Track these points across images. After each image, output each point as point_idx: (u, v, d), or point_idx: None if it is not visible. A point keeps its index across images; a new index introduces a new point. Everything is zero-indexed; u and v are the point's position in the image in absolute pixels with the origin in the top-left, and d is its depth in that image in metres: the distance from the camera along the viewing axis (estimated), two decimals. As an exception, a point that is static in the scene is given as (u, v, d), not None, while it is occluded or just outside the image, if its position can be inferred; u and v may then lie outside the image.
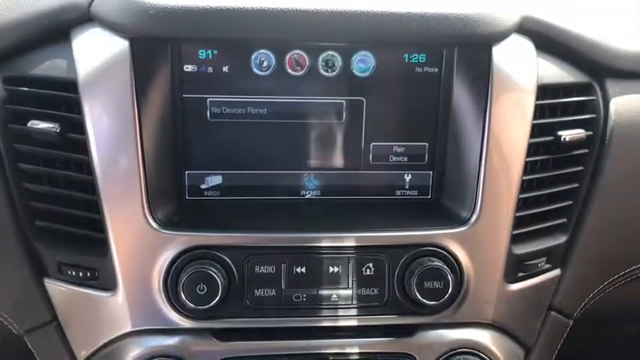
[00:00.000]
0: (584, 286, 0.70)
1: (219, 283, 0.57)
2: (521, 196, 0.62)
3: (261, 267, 0.60)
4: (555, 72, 0.64)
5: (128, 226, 0.59)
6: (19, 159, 0.60)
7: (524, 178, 0.62)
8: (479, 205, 0.61)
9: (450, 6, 0.57)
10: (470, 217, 0.61)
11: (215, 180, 0.63)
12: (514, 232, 0.63)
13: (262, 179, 0.64)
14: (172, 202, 0.62)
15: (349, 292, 0.61)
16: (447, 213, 0.64)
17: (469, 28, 0.57)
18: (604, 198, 0.66)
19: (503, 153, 0.61)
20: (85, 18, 0.59)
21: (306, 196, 0.65)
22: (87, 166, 0.58)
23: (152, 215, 0.58)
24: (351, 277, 0.61)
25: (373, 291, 0.61)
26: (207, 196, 0.64)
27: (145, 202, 0.58)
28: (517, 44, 0.62)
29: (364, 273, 0.61)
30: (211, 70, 0.60)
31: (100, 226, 0.59)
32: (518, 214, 0.63)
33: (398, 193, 0.66)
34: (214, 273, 0.57)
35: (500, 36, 0.60)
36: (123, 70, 0.57)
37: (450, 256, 0.61)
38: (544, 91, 0.62)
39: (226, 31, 0.56)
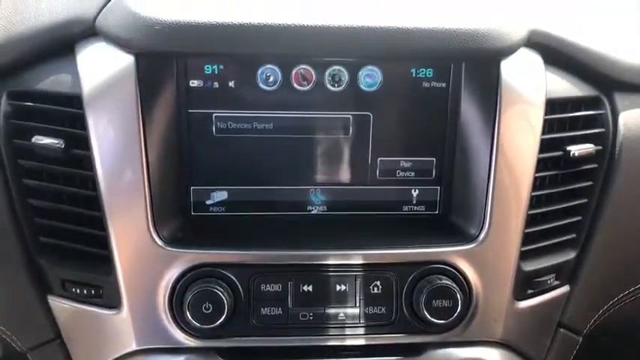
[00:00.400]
0: (594, 303, 0.69)
1: (225, 301, 0.56)
2: (530, 212, 0.61)
3: (268, 285, 0.59)
4: (563, 86, 0.63)
5: (133, 243, 0.58)
6: (23, 174, 0.59)
7: (533, 193, 0.61)
8: (488, 221, 0.60)
9: (458, 21, 0.57)
10: (479, 234, 0.60)
11: (220, 195, 0.63)
12: (523, 249, 0.62)
13: (268, 195, 0.63)
14: (177, 218, 0.62)
15: (356, 310, 0.60)
16: (455, 229, 0.63)
17: (477, 43, 0.56)
18: (614, 213, 0.66)
19: (512, 168, 0.60)
20: (90, 32, 0.59)
21: (313, 212, 0.64)
22: (92, 182, 0.57)
23: (157, 232, 0.58)
24: (358, 295, 0.60)
25: (381, 309, 0.60)
26: (212, 211, 0.63)
27: (149, 219, 0.57)
28: (525, 58, 0.61)
29: (372, 291, 0.60)
30: (217, 85, 0.60)
31: (104, 243, 0.58)
32: (527, 231, 0.62)
33: (405, 208, 0.65)
34: (220, 292, 0.56)
35: (509, 50, 0.59)
36: (128, 85, 0.56)
37: (458, 274, 0.60)
38: (552, 105, 0.61)
39: (232, 47, 0.55)
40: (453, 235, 0.62)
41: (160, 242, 0.58)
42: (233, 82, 0.60)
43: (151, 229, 0.58)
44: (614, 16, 0.74)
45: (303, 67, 0.60)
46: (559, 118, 0.63)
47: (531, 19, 0.62)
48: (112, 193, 0.57)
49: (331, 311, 0.60)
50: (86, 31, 0.59)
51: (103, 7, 0.59)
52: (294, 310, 0.59)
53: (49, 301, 0.62)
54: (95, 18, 0.58)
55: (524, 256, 0.63)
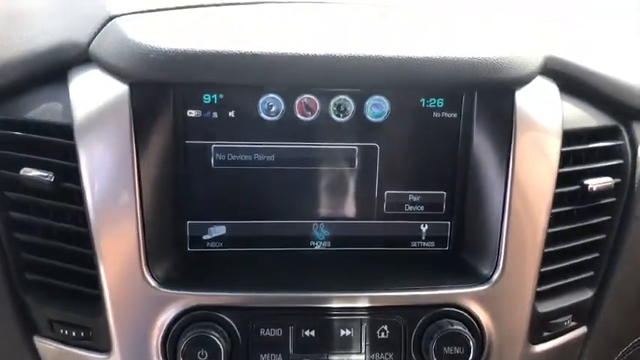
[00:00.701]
0: (613, 344, 0.66)
1: (222, 348, 0.53)
2: (546, 250, 0.59)
3: (267, 330, 0.55)
4: (580, 115, 0.61)
5: (125, 283, 0.55)
6: (10, 207, 0.56)
7: (549, 230, 0.58)
8: (502, 260, 0.57)
9: (470, 49, 0.54)
10: (492, 274, 0.58)
11: (218, 230, 0.60)
12: (539, 289, 0.59)
13: (269, 229, 0.60)
14: (172, 254, 0.59)
15: (362, 357, 0.56)
16: (467, 268, 0.60)
17: (491, 72, 0.54)
18: (633, 248, 0.63)
19: (528, 204, 0.57)
20: (84, 58, 0.56)
21: (316, 247, 0.61)
22: (82, 218, 0.55)
23: (150, 272, 0.55)
24: (364, 341, 0.56)
25: (388, 356, 0.57)
26: (210, 247, 0.60)
27: (142, 258, 0.54)
28: (540, 87, 0.59)
29: (378, 336, 0.56)
30: (216, 115, 0.57)
31: (94, 282, 0.55)
32: (543, 270, 0.59)
33: (414, 244, 0.62)
34: (216, 337, 0.53)
35: (524, 80, 0.57)
36: (122, 115, 0.53)
37: (471, 318, 0.57)
38: (568, 136, 0.59)
39: (233, 77, 0.53)
40: (464, 274, 0.59)
41: (152, 283, 0.55)
42: (233, 111, 0.57)
43: (144, 269, 0.54)
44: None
45: (306, 97, 0.57)
46: (575, 150, 0.60)
47: (545, 43, 0.60)
48: (103, 230, 0.54)
49: (335, 358, 0.56)
50: (80, 56, 0.56)
51: (99, 31, 0.56)
52: (296, 357, 0.56)
53: (35, 341, 0.59)
54: (89, 43, 0.56)
55: (539, 296, 0.60)
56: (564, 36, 0.68)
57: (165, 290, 0.55)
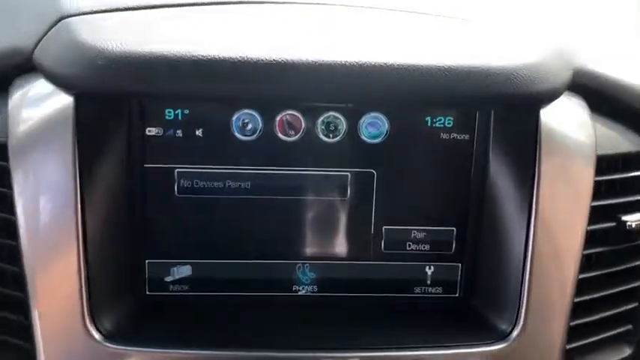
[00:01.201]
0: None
1: None
2: (576, 300, 0.52)
3: None
4: (614, 138, 0.56)
5: (63, 335, 0.47)
6: None
7: (580, 276, 0.52)
8: (523, 312, 0.50)
9: (485, 57, 0.47)
10: (511, 330, 0.50)
11: (183, 271, 0.53)
12: (568, 347, 0.52)
13: (243, 271, 0.53)
14: (126, 300, 0.51)
15: None
16: (481, 321, 0.53)
17: (511, 86, 0.46)
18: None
19: (555, 244, 0.51)
20: (28, 66, 0.50)
21: (300, 293, 0.54)
22: (16, 255, 0.47)
23: (94, 323, 0.47)
24: None
25: None
26: (172, 291, 0.53)
27: (85, 306, 0.47)
28: (568, 105, 0.53)
29: (373, 411, 0.48)
30: (181, 134, 0.50)
31: (27, 334, 0.47)
32: (573, 324, 0.52)
33: (417, 290, 0.55)
34: None
35: (550, 95, 0.50)
36: (64, 133, 0.46)
37: None
38: (600, 163, 0.53)
39: (200, 88, 0.45)
40: (477, 329, 0.52)
41: (96, 336, 0.47)
42: (201, 130, 0.50)
43: (86, 319, 0.47)
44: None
45: (289, 113, 0.50)
46: (610, 180, 0.54)
47: (571, 52, 0.54)
48: (39, 269, 0.46)
49: None
50: (24, 64, 0.50)
51: (45, 34, 0.49)
52: None
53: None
54: (34, 49, 0.49)
55: (569, 356, 0.53)
56: (591, 43, 0.61)
57: (112, 346, 0.47)
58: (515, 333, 0.49)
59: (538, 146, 0.49)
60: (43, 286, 0.46)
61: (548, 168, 0.49)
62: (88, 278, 0.46)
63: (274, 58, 0.44)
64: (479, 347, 0.49)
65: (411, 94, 0.46)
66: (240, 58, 0.44)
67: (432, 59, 0.45)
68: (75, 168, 0.46)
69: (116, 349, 0.46)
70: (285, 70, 0.44)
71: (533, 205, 0.49)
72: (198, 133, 0.50)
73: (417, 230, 0.53)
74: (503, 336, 0.50)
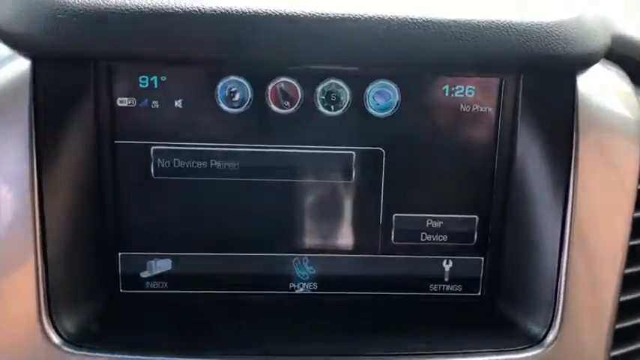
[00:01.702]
0: None
1: None
2: (622, 299, 0.47)
3: None
4: None
5: (17, 340, 0.42)
6: None
7: (626, 271, 0.47)
8: (559, 314, 0.45)
9: (514, 12, 0.41)
10: (545, 334, 0.45)
11: (162, 265, 0.47)
12: (613, 354, 0.48)
13: (231, 266, 0.48)
14: (96, 299, 0.46)
15: None
16: (507, 324, 0.47)
17: (545, 45, 0.41)
18: None
19: (597, 233, 0.45)
20: None
21: (297, 291, 0.49)
22: None
23: (54, 324, 0.42)
24: None
25: None
26: (149, 288, 0.48)
27: (42, 305, 0.41)
28: (607, 74, 0.48)
29: None
30: (157, 106, 0.44)
31: None
32: (618, 326, 0.48)
33: (433, 288, 0.49)
34: None
35: (589, 59, 0.44)
36: (20, 104, 0.41)
37: None
38: None
39: (179, 47, 0.40)
40: (504, 333, 0.46)
41: (56, 340, 0.42)
42: (180, 100, 0.44)
43: (44, 320, 0.41)
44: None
45: (283, 81, 0.44)
46: None
47: (607, 15, 0.48)
48: None
49: None
50: None
51: None
52: None
53: None
54: None
55: None
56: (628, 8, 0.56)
57: (72, 351, 0.41)
58: (550, 337, 0.45)
59: (575, 119, 0.44)
60: None
61: (586, 145, 0.44)
62: (46, 274, 0.41)
63: (265, 9, 0.38)
64: (510, 354, 0.44)
65: (425, 54, 0.40)
66: (226, 10, 0.38)
67: (452, 13, 0.40)
68: (32, 146, 0.41)
69: (74, 354, 0.41)
70: (278, 23, 0.39)
71: (570, 189, 0.44)
72: (177, 104, 0.44)
73: (433, 219, 0.48)
74: (536, 340, 0.45)
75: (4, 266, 0.41)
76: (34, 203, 0.41)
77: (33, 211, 0.40)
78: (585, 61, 0.43)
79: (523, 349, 0.44)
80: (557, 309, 0.44)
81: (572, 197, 0.44)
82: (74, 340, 0.42)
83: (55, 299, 0.41)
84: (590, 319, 0.46)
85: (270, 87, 0.44)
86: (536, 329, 0.45)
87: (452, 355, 0.43)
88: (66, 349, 0.41)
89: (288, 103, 0.44)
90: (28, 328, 0.41)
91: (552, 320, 0.45)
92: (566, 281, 0.44)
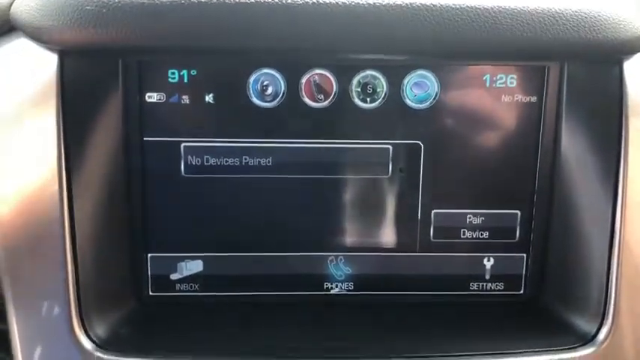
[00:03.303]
0: None
1: None
2: None
3: None
4: None
5: (47, 344, 0.40)
6: None
7: None
8: (611, 310, 0.43)
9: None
10: (597, 332, 0.43)
11: (193, 267, 0.46)
12: None
13: (263, 266, 0.46)
14: (127, 302, 0.44)
15: None
16: (555, 321, 0.45)
17: (591, 31, 0.39)
18: None
19: None
20: (6, 27, 0.42)
21: (333, 291, 0.47)
22: None
23: (85, 329, 0.41)
24: None
25: None
26: (180, 290, 0.46)
27: (73, 309, 0.40)
28: None
29: None
30: (187, 101, 0.43)
31: (5, 343, 0.41)
32: None
33: (474, 286, 0.47)
34: None
35: (636, 45, 0.41)
36: (47, 99, 0.39)
37: None
38: None
39: (210, 39, 0.39)
40: (553, 331, 0.44)
41: (87, 345, 0.40)
42: (212, 95, 0.43)
43: (75, 324, 0.40)
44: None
45: (317, 73, 0.43)
46: None
47: None
48: (16, 264, 0.40)
49: None
50: (2, 25, 0.43)
51: None
52: None
53: None
54: (11, 4, 0.42)
55: None
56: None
57: (104, 356, 0.39)
58: (602, 335, 0.42)
59: (623, 108, 0.42)
60: (22, 284, 0.40)
61: (636, 133, 0.42)
62: (77, 277, 0.40)
63: (299, 1, 0.36)
64: (561, 353, 0.41)
65: (466, 41, 0.38)
66: (256, 2, 0.36)
67: (495, 0, 0.38)
68: (60, 145, 0.39)
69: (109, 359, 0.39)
70: (313, 14, 0.37)
71: (620, 181, 0.42)
72: (209, 98, 0.43)
73: (473, 214, 0.46)
74: (587, 339, 0.43)
75: (33, 270, 0.39)
76: (62, 204, 0.39)
77: (62, 212, 0.39)
78: (631, 47, 0.41)
79: (575, 348, 0.41)
80: (609, 305, 0.42)
81: (623, 188, 0.42)
82: (105, 345, 0.40)
83: (85, 303, 0.40)
84: (643, 314, 0.43)
85: (303, 80, 0.43)
86: (586, 327, 0.43)
87: (499, 356, 0.41)
88: (97, 353, 0.39)
89: (322, 96, 0.42)
90: (59, 333, 0.40)
91: (604, 317, 0.42)
92: (617, 276, 0.42)
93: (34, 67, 0.40)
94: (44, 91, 0.39)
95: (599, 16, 0.39)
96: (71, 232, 0.39)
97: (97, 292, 0.41)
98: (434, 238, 0.46)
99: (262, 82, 0.42)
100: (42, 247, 0.39)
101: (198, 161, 0.43)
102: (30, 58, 0.40)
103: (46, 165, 0.39)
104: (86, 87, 0.41)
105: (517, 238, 0.46)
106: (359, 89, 0.43)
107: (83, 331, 0.40)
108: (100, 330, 0.41)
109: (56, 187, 0.39)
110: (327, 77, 0.42)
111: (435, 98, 0.43)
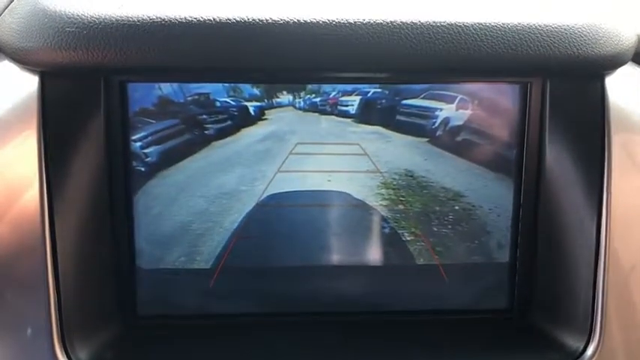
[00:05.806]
0: None
1: None
2: None
3: None
4: None
5: None
6: None
7: None
8: (599, 324, 0.42)
9: (537, 14, 0.40)
10: (584, 348, 0.42)
11: (184, 285, 0.44)
12: None
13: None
14: (111, 324, 0.43)
15: None
16: (542, 337, 0.45)
17: (572, 46, 0.39)
18: None
19: (633, 240, 0.43)
20: None
21: (319, 311, 0.46)
22: None
23: (68, 355, 0.39)
24: None
25: None
26: (172, 309, 0.45)
27: (55, 334, 0.39)
28: (635, 74, 0.45)
29: None
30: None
31: None
32: None
33: (462, 304, 0.46)
34: None
35: (617, 59, 0.42)
36: (28, 122, 0.39)
37: None
38: None
39: (193, 59, 0.38)
40: (541, 347, 0.44)
41: None
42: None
43: (57, 351, 0.38)
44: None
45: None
46: None
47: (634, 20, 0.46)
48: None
49: None
50: None
51: (7, 5, 0.42)
52: None
53: None
54: None
55: None
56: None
57: None
58: (589, 350, 0.42)
59: (606, 123, 0.42)
60: (0, 308, 0.38)
61: (618, 148, 0.42)
62: (58, 299, 0.38)
63: (294, 19, 0.36)
64: None
65: (445, 60, 0.38)
66: (245, 22, 0.36)
67: (474, 16, 0.38)
68: (41, 165, 0.39)
69: (91, 387, 0.38)
70: (306, 33, 0.37)
71: (604, 193, 0.42)
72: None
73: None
74: (575, 355, 0.42)
75: (14, 292, 0.38)
76: (44, 225, 0.38)
77: (43, 234, 0.38)
78: (613, 62, 0.41)
79: (561, 365, 0.41)
80: (596, 321, 0.42)
81: (607, 203, 0.42)
82: (89, 369, 0.39)
83: (67, 327, 0.39)
84: (630, 329, 0.43)
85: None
86: (574, 343, 0.43)
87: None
88: (80, 380, 0.38)
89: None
90: (39, 354, 0.38)
91: (591, 333, 0.42)
92: (603, 292, 0.42)
93: (15, 88, 0.39)
94: (25, 111, 0.38)
95: (579, 31, 0.39)
96: (53, 254, 0.38)
97: (80, 315, 0.40)
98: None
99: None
100: (22, 268, 0.38)
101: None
102: (11, 79, 0.39)
103: (27, 186, 0.38)
104: (68, 107, 0.40)
105: (505, 256, 0.45)
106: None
107: (66, 356, 0.39)
108: (84, 355, 0.39)
109: (37, 207, 0.38)
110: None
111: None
